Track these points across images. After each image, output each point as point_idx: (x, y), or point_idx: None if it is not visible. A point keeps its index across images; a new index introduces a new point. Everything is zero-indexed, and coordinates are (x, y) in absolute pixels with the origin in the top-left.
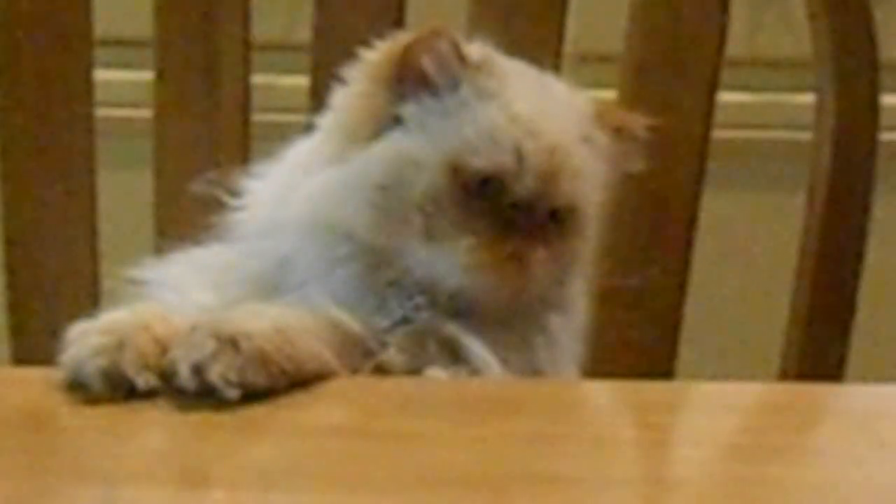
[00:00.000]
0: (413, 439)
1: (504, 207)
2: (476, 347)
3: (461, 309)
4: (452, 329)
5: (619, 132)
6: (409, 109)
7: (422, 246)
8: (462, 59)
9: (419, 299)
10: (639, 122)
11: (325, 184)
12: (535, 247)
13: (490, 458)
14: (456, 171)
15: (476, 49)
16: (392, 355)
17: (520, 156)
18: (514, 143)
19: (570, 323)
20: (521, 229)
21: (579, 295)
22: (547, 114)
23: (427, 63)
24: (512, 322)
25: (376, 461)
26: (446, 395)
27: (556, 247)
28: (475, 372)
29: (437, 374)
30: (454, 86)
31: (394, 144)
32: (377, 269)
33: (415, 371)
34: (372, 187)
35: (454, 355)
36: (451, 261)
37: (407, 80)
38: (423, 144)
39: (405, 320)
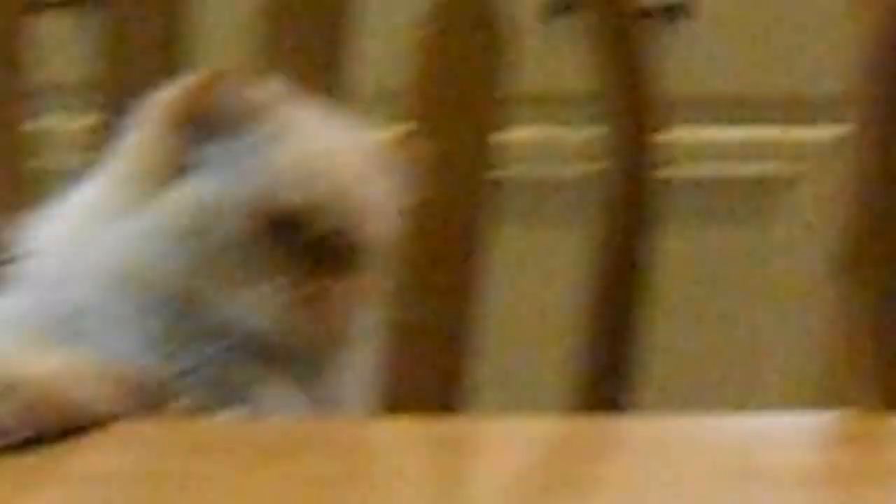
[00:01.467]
0: (200, 482)
1: (301, 248)
2: (272, 391)
3: (264, 353)
4: (247, 374)
5: (405, 164)
6: (201, 154)
7: (223, 293)
8: (249, 101)
9: (217, 347)
10: (424, 153)
11: (123, 233)
12: (334, 284)
13: (277, 499)
14: (250, 215)
15: (264, 91)
16: (185, 403)
17: (311, 195)
18: (305, 183)
19: (363, 358)
20: (319, 268)
21: (372, 329)
22: (335, 152)
23: (214, 106)
24: (312, 361)
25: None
26: (236, 437)
27: (354, 283)
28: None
29: (228, 415)
30: (243, 129)
31: (189, 191)
32: (179, 318)
33: (206, 413)
34: (170, 236)
35: (246, 400)
36: (253, 306)
37: (196, 124)
38: (217, 189)
39: (200, 367)
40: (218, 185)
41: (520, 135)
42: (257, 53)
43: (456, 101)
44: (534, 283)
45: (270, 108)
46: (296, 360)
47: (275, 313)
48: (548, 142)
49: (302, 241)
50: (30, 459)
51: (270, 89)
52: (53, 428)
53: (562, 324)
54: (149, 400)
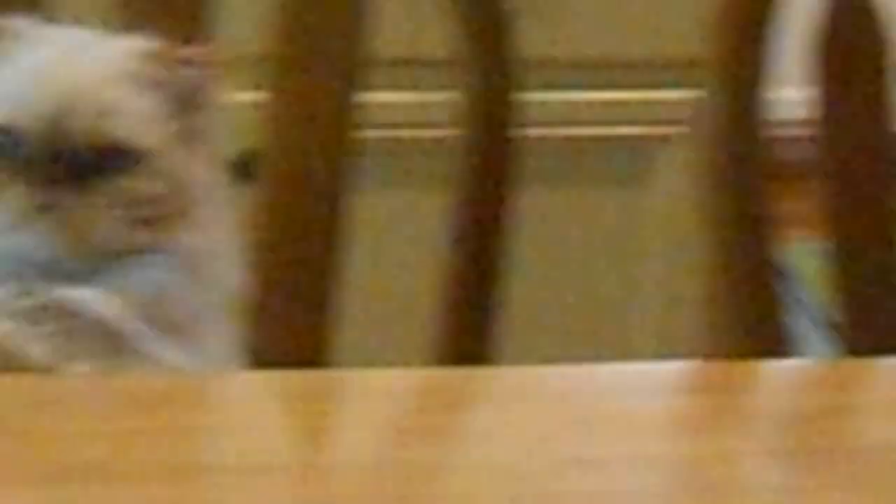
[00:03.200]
0: (51, 437)
1: (28, 160)
2: (87, 299)
3: (51, 271)
4: (59, 292)
5: (179, 64)
6: None
7: None
8: None
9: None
10: (202, 52)
11: None
12: (70, 193)
13: (130, 451)
14: None
15: (6, 21)
16: (33, 355)
17: (24, 104)
18: (20, 93)
19: (190, 272)
20: (52, 178)
21: (201, 242)
22: (65, 63)
23: None
24: (108, 268)
25: (9, 460)
26: (85, 392)
27: (105, 189)
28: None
29: (77, 369)
30: None
31: None
32: None
33: (54, 368)
34: None
35: (74, 317)
36: None
37: None
38: None
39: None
40: None
41: (381, 98)
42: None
43: (315, 62)
44: (396, 244)
45: (3, 32)
46: (86, 272)
47: (5, 227)
48: (409, 105)
49: (25, 155)
50: None
51: (11, 19)
52: None
53: (424, 286)
54: None
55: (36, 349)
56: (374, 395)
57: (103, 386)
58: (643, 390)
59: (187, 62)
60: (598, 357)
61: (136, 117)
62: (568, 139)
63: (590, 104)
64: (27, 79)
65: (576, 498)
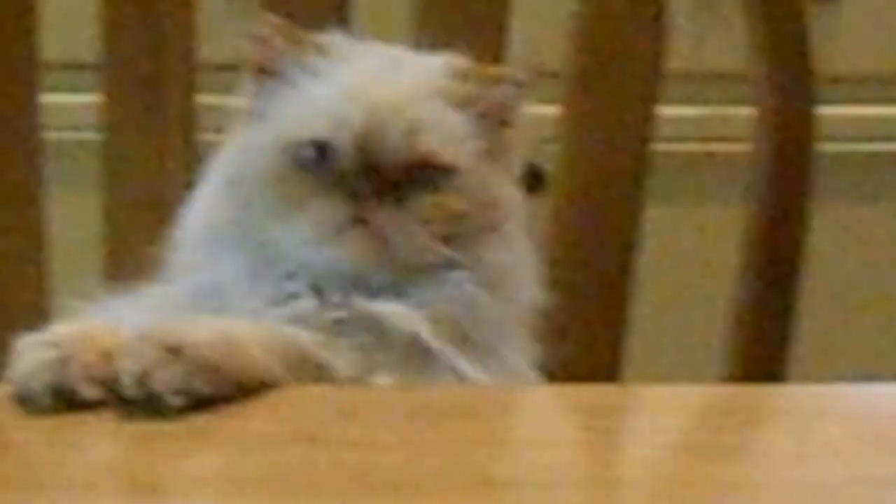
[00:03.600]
0: (359, 446)
1: (339, 175)
2: (395, 313)
3: (357, 284)
4: (367, 305)
5: (489, 82)
6: (257, 101)
7: (271, 227)
8: (295, 44)
9: (296, 283)
10: (512, 70)
11: (198, 194)
12: (382, 208)
13: (435, 463)
14: (284, 147)
15: (324, 38)
16: (341, 366)
17: (339, 119)
18: (333, 108)
19: (494, 288)
20: (363, 193)
21: (506, 258)
22: (378, 79)
23: (260, 53)
24: (414, 283)
25: (322, 468)
26: (392, 403)
27: (415, 205)
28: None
29: (382, 380)
30: (285, 72)
31: (239, 138)
32: (263, 260)
33: (362, 379)
34: (225, 183)
35: (381, 329)
36: (297, 236)
37: (256, 73)
38: (259, 130)
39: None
40: (259, 128)
41: (675, 112)
42: (415, 30)
43: (614, 77)
44: (689, 259)
45: (317, 49)
46: (390, 285)
47: (318, 244)
48: (706, 119)
49: (339, 169)
50: (189, 422)
51: (330, 36)
52: (214, 391)
53: (717, 301)
54: (307, 363)
55: (342, 361)
56: (667, 411)
57: (406, 397)
58: None
59: (496, 80)
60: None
61: (446, 134)
62: (866, 154)
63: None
64: (340, 95)
65: None
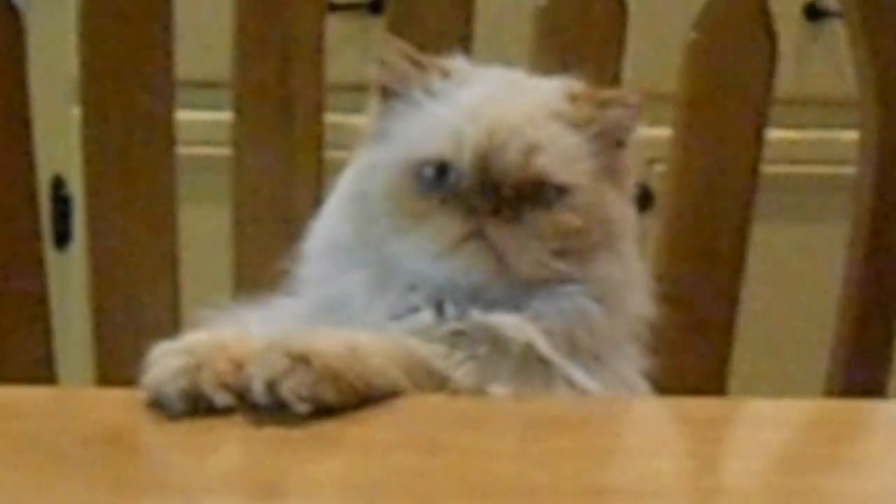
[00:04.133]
0: (477, 454)
1: (459, 191)
2: (511, 324)
3: (475, 297)
4: (484, 318)
5: (604, 104)
6: (382, 122)
7: (393, 241)
8: (418, 67)
9: (416, 295)
10: (625, 93)
11: (326, 209)
12: (498, 223)
13: (548, 471)
14: (406, 165)
15: (446, 61)
16: (459, 377)
17: (459, 139)
18: (454, 128)
19: (606, 302)
20: (481, 209)
21: (618, 273)
22: (497, 101)
23: (385, 76)
24: (529, 296)
25: (442, 475)
26: (508, 413)
27: (531, 221)
28: (523, 351)
29: (499, 391)
30: (409, 93)
31: (364, 156)
32: (384, 274)
33: (479, 389)
34: (349, 199)
35: (498, 340)
36: (418, 250)
37: (381, 95)
38: (383, 149)
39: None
40: (383, 147)
41: (786, 134)
42: (531, 54)
43: (722, 102)
44: (794, 274)
45: (441, 72)
46: (506, 300)
47: (438, 257)
48: (812, 142)
49: (459, 186)
50: (315, 428)
51: (454, 61)
52: (338, 399)
53: (824, 314)
54: (428, 373)
55: (460, 371)
56: (768, 424)
57: (521, 408)
58: None
59: (611, 103)
60: None
61: (563, 154)
62: None
63: None
64: (461, 115)
65: None
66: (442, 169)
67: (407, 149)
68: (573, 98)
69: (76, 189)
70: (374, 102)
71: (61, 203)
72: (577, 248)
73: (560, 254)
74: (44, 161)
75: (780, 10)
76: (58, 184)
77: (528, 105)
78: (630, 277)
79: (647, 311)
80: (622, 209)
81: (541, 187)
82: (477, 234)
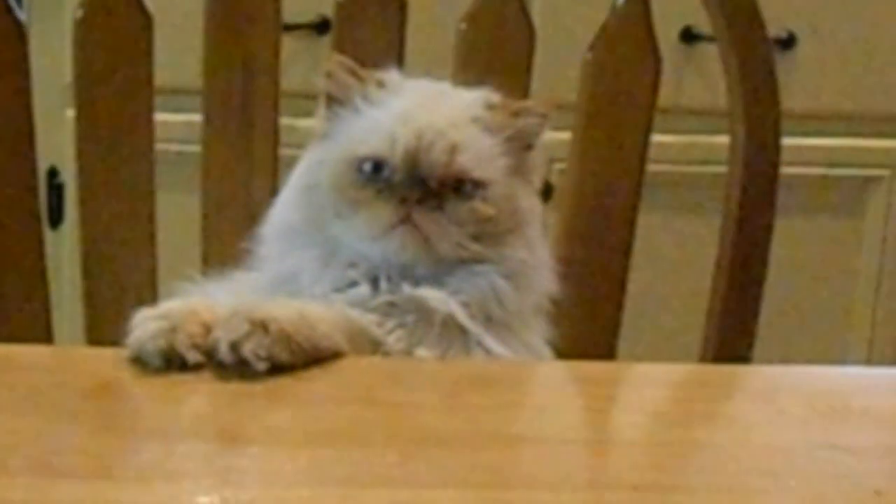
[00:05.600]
0: (406, 407)
1: (392, 184)
2: (435, 297)
3: (405, 273)
4: (412, 291)
5: (517, 113)
6: (328, 124)
7: (336, 225)
8: (358, 79)
9: (355, 271)
10: (536, 104)
11: (280, 198)
12: (424, 211)
13: (468, 422)
14: (348, 161)
15: (382, 74)
16: (391, 341)
17: (392, 139)
18: (388, 130)
19: (515, 279)
20: (410, 199)
21: (525, 255)
22: (425, 108)
23: (331, 86)
24: (450, 273)
25: (377, 424)
26: (432, 372)
27: (452, 210)
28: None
29: (425, 354)
30: (350, 100)
31: (313, 153)
32: (329, 253)
33: (408, 352)
34: (300, 190)
35: (424, 310)
36: (357, 233)
37: (327, 101)
38: (329, 148)
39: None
40: (329, 146)
41: (667, 139)
42: (453, 71)
43: (615, 112)
44: (672, 259)
45: (377, 83)
46: (432, 277)
47: (372, 238)
48: (689, 146)
49: (391, 180)
50: (271, 383)
51: (388, 73)
52: (291, 359)
53: (699, 291)
54: (366, 339)
55: (391, 337)
56: (651, 384)
57: (443, 368)
58: (886, 389)
59: (522, 112)
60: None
61: (480, 154)
62: (814, 177)
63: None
64: (395, 120)
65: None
66: (378, 165)
67: (349, 147)
68: (490, 107)
69: (69, 178)
70: (321, 108)
71: (56, 190)
72: (491, 233)
73: (476, 238)
74: (41, 154)
75: (660, 34)
76: (53, 173)
77: (451, 112)
78: (536, 259)
79: (550, 288)
80: (530, 201)
81: (461, 182)
82: (406, 221)
